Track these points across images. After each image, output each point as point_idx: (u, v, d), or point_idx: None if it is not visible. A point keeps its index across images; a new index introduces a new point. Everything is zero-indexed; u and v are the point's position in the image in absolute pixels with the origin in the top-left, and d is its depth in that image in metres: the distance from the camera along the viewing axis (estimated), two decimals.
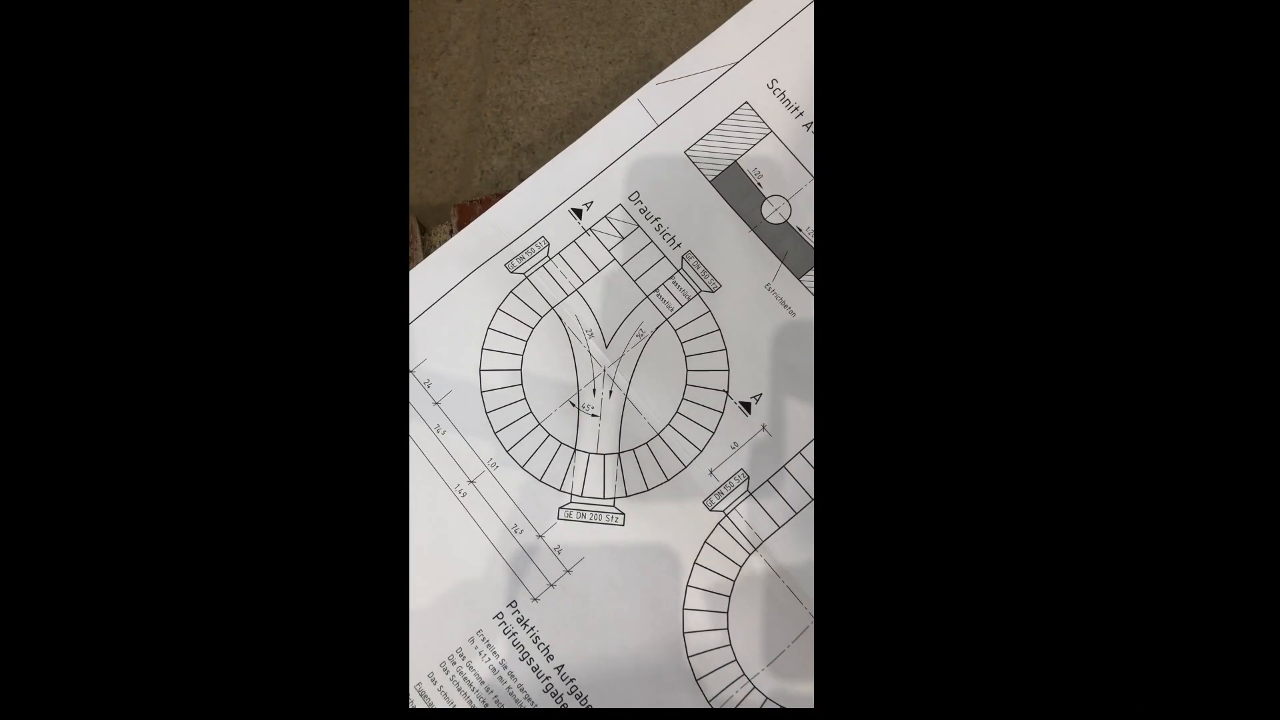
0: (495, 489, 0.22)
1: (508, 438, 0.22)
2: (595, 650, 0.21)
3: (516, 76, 0.43)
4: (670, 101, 0.24)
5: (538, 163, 0.41)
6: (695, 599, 0.21)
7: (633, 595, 0.21)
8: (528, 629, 0.21)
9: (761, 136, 0.24)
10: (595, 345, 0.23)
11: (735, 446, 0.22)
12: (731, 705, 0.21)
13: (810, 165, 0.23)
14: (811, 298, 0.23)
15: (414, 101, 0.49)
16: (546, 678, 0.21)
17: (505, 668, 0.21)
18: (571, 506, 0.22)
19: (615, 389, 0.22)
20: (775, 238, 0.23)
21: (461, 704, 0.21)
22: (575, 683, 0.21)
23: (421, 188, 0.50)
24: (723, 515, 0.22)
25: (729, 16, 0.30)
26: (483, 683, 0.21)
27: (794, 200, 0.23)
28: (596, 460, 0.22)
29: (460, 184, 0.47)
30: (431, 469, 0.22)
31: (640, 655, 0.21)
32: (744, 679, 0.21)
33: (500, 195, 0.26)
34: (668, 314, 0.23)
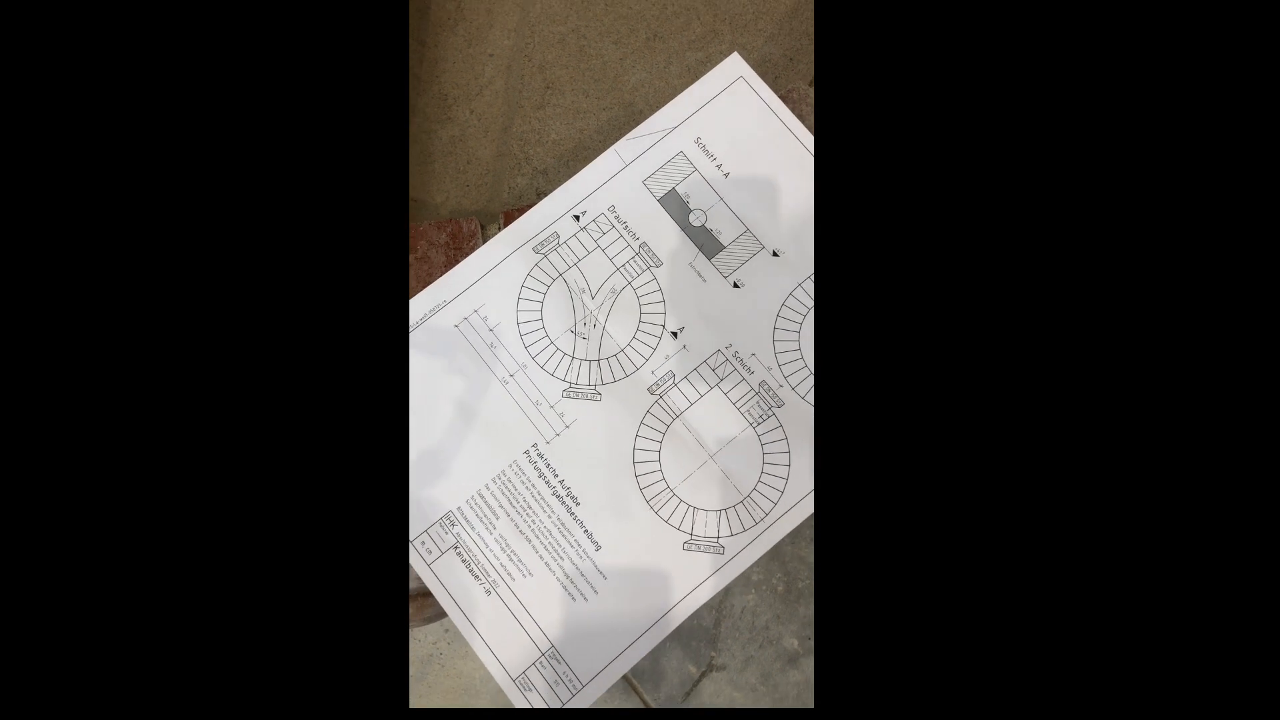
0: (526, 380, 0.36)
1: (533, 350, 0.37)
2: (582, 472, 0.36)
3: (535, 118, 0.58)
4: (635, 150, 0.39)
5: (550, 182, 0.57)
6: (640, 444, 0.36)
7: (605, 440, 0.36)
8: (544, 459, 0.36)
9: (689, 174, 0.39)
10: (586, 298, 0.37)
11: (667, 357, 0.37)
12: (659, 505, 0.35)
13: (719, 190, 0.38)
14: (715, 270, 0.38)
15: (454, 131, 0.66)
16: (554, 487, 0.36)
17: (530, 480, 0.36)
18: (570, 390, 0.36)
19: (597, 323, 0.37)
20: (696, 235, 0.38)
21: (505, 503, 0.36)
22: (570, 490, 0.36)
23: (459, 197, 0.66)
24: (658, 397, 0.36)
25: (689, 78, 0.45)
26: (513, 487, 0.36)
27: (709, 212, 0.38)
28: (587, 364, 0.37)
29: (490, 195, 0.63)
30: (488, 369, 0.37)
31: (609, 474, 0.36)
32: (668, 490, 0.36)
33: (526, 206, 0.40)
34: (629, 279, 0.38)
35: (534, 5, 0.60)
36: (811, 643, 0.65)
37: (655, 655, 0.65)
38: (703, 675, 0.65)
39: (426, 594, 0.44)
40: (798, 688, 0.66)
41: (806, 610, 0.67)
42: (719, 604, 0.67)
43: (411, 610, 0.44)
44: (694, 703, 0.63)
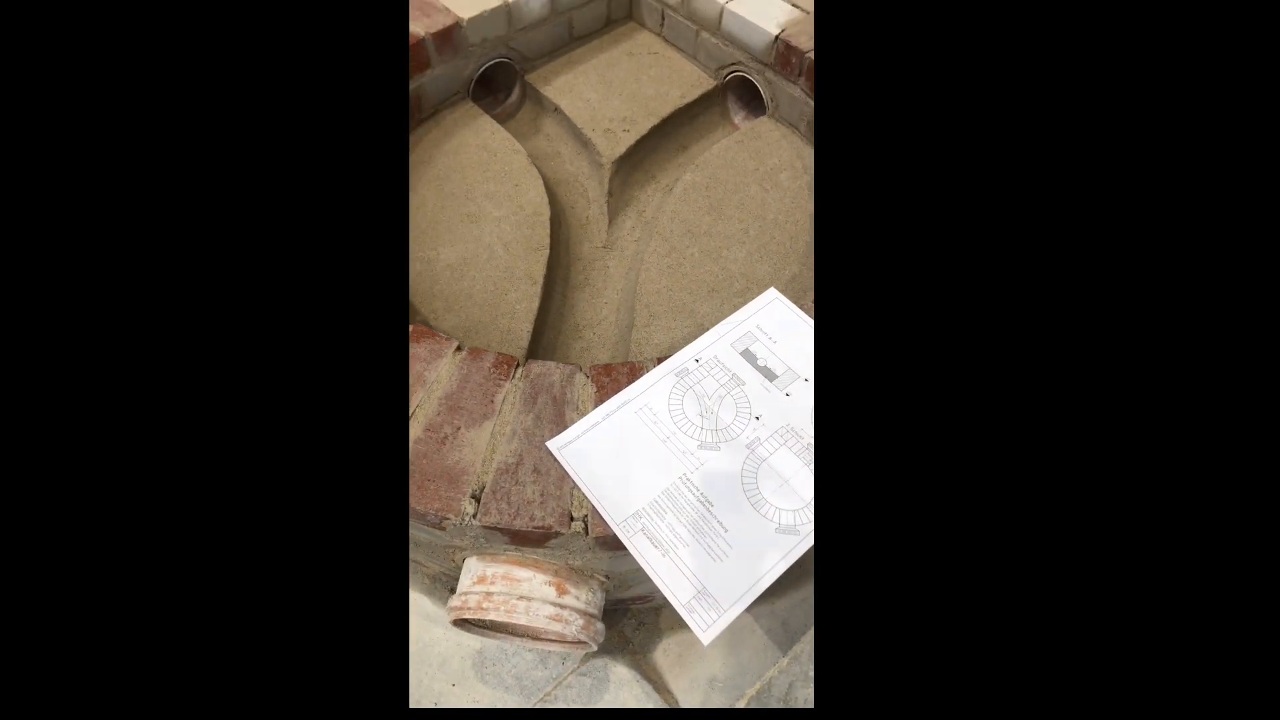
0: (677, 441, 0.65)
1: (679, 425, 0.66)
2: (712, 488, 0.62)
3: (644, 329, 0.94)
4: (726, 329, 0.74)
5: (660, 357, 0.90)
6: (745, 475, 0.63)
7: (724, 473, 0.63)
8: (691, 482, 0.62)
9: (755, 340, 0.72)
10: (706, 399, 0.68)
11: (754, 429, 0.66)
12: (759, 507, 0.61)
13: (771, 349, 0.72)
14: (775, 387, 0.69)
15: (582, 345, 1.03)
16: (698, 496, 0.62)
17: (684, 493, 0.62)
18: (702, 444, 0.65)
19: (713, 412, 0.67)
20: (762, 370, 0.70)
21: (670, 505, 0.61)
22: (707, 497, 0.61)
23: (588, 361, 0.99)
24: (751, 450, 0.65)
25: (732, 309, 0.83)
26: (674, 496, 0.61)
27: (768, 359, 0.71)
28: (710, 432, 0.66)
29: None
30: (655, 435, 0.65)
31: (728, 490, 0.62)
32: (763, 498, 0.62)
33: (666, 356, 0.74)
34: (728, 391, 0.69)
35: (638, 275, 1.01)
36: None
37: None
38: None
39: (591, 616, 0.67)
40: None
41: None
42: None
43: (581, 625, 0.66)
44: None
